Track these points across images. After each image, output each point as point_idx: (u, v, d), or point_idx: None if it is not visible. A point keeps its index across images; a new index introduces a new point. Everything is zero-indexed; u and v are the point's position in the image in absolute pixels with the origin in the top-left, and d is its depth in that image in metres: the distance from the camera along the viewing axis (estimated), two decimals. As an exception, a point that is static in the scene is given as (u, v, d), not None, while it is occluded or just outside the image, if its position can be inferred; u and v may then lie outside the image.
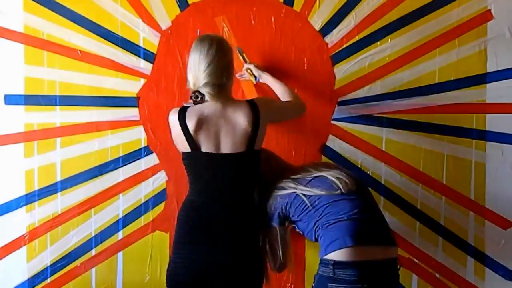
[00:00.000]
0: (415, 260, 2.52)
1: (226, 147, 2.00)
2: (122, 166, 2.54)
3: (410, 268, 2.52)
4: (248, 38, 2.48)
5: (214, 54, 1.99)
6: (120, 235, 2.56)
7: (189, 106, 2.03)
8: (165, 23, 2.51)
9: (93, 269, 2.57)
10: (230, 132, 2.00)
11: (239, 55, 2.41)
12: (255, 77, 2.40)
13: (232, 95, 2.12)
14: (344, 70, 2.49)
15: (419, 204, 2.51)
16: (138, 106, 2.53)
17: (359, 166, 2.51)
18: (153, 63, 2.52)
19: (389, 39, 2.47)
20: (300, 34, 2.48)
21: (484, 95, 2.47)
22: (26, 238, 2.56)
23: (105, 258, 2.56)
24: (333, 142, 2.49)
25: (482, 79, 2.46)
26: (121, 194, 2.55)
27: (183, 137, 2.01)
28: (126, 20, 2.51)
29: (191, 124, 1.99)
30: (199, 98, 2.00)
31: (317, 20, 2.48)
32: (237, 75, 2.38)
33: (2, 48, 2.53)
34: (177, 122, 2.01)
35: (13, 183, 2.55)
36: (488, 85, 2.46)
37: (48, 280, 2.57)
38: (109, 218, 2.56)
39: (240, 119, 2.00)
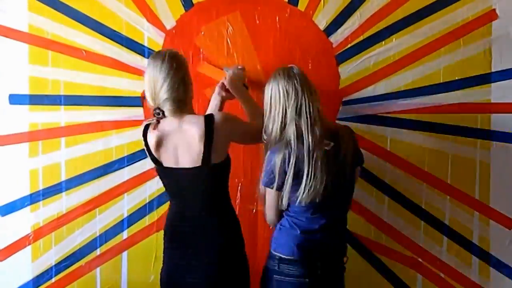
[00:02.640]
0: (419, 259, 2.53)
1: (184, 162, 2.02)
2: (127, 165, 2.54)
3: (414, 267, 2.53)
4: (253, 38, 2.48)
5: (168, 69, 1.99)
6: (124, 234, 2.56)
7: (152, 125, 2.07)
8: (169, 23, 2.51)
9: (98, 269, 2.58)
10: (186, 147, 2.01)
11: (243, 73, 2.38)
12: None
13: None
14: (348, 70, 2.49)
15: (424, 204, 2.51)
16: (142, 106, 2.53)
17: (363, 166, 2.50)
18: (157, 63, 2.52)
19: (394, 39, 2.47)
20: (304, 33, 2.48)
21: (489, 95, 2.46)
22: (30, 237, 2.57)
23: (110, 258, 2.57)
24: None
25: (486, 78, 2.46)
26: (125, 194, 2.55)
27: (147, 153, 2.08)
28: (130, 19, 2.52)
29: (151, 141, 2.04)
30: (161, 115, 2.02)
31: (322, 20, 2.48)
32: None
33: (6, 47, 2.54)
34: (142, 139, 2.07)
35: (17, 182, 2.56)
36: (492, 84, 2.46)
37: (53, 280, 2.58)
38: (113, 217, 2.56)
39: (194, 134, 1.98)
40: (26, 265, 2.57)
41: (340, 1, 2.46)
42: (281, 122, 1.97)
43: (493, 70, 2.45)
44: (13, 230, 2.57)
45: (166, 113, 2.02)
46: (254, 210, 2.52)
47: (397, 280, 2.53)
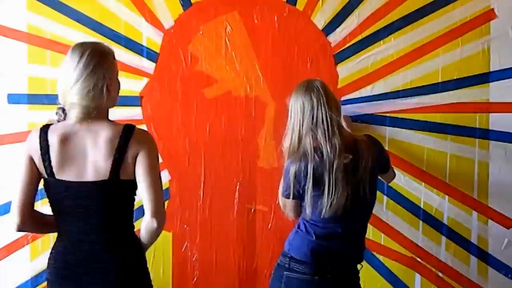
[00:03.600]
0: (418, 259, 2.53)
1: (88, 174, 1.71)
2: (125, 165, 2.54)
3: (413, 267, 2.53)
4: (251, 37, 2.48)
5: (82, 69, 1.70)
6: (123, 234, 2.56)
7: (51, 124, 1.78)
8: (168, 23, 2.51)
9: (96, 268, 2.57)
10: (93, 156, 1.71)
11: None
12: None
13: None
14: (347, 69, 2.49)
15: (422, 203, 2.51)
16: (141, 105, 2.53)
17: (362, 165, 2.51)
18: (156, 62, 2.53)
19: (392, 38, 2.47)
20: (303, 33, 2.48)
21: (487, 94, 2.46)
22: (29, 237, 2.57)
23: (108, 257, 2.57)
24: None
25: (485, 78, 2.46)
26: (124, 193, 2.55)
27: (40, 159, 1.72)
28: (129, 19, 2.52)
29: (52, 142, 1.71)
30: (63, 117, 1.76)
31: (320, 19, 2.48)
32: None
33: (5, 47, 2.54)
34: (37, 142, 1.73)
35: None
36: (491, 84, 2.46)
37: (51, 279, 2.58)
38: (112, 217, 2.56)
39: (106, 142, 1.71)
40: (24, 264, 2.57)
41: (339, 0, 2.47)
42: (298, 133, 1.97)
43: (491, 70, 2.45)
44: (12, 230, 2.56)
45: (72, 118, 1.74)
46: (252, 210, 2.52)
47: (396, 280, 2.53)
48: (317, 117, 1.95)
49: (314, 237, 2.01)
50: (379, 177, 2.15)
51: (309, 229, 2.03)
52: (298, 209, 2.07)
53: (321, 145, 1.93)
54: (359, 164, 1.94)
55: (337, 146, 1.92)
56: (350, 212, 1.96)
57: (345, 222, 1.99)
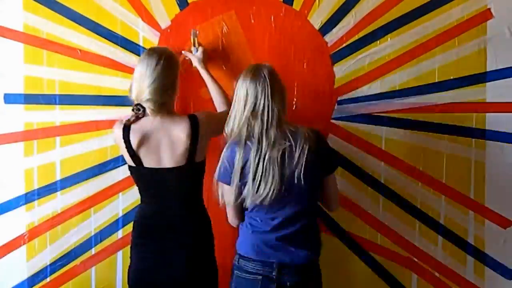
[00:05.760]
0: (414, 259, 2.53)
1: (167, 161, 2.07)
2: (122, 165, 2.53)
3: (409, 267, 2.53)
4: (248, 37, 2.48)
5: (160, 71, 2.04)
6: (119, 234, 2.56)
7: (131, 123, 2.08)
8: (164, 22, 2.51)
9: (93, 268, 2.57)
10: (169, 147, 2.05)
11: (191, 38, 2.41)
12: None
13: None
14: (343, 69, 2.49)
15: (419, 203, 2.52)
16: (137, 105, 2.52)
17: (358, 165, 2.51)
18: (152, 62, 2.52)
19: (389, 38, 2.47)
20: (299, 33, 2.48)
21: (484, 94, 2.47)
22: (25, 237, 2.56)
23: (105, 257, 2.57)
24: (333, 141, 2.48)
25: (481, 78, 2.46)
26: (120, 193, 2.55)
27: (127, 153, 2.08)
28: (125, 19, 2.51)
29: (134, 141, 2.06)
30: (140, 111, 2.07)
31: (317, 19, 2.48)
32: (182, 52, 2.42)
33: (1, 47, 2.53)
34: (121, 139, 2.07)
35: (12, 182, 2.55)
36: (487, 84, 2.46)
37: (48, 279, 2.57)
38: (108, 217, 2.56)
39: (179, 133, 2.05)
40: (21, 264, 2.57)
41: (335, 0, 2.46)
42: (238, 121, 1.97)
43: (488, 70, 2.46)
44: (8, 230, 2.56)
45: (146, 111, 2.07)
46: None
47: (392, 280, 2.53)
48: (258, 107, 1.94)
49: (251, 231, 2.03)
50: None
51: (248, 223, 2.05)
52: (229, 195, 2.03)
53: (257, 136, 1.93)
54: (294, 153, 1.92)
55: (272, 138, 1.92)
56: (285, 202, 1.95)
57: (281, 214, 1.97)
